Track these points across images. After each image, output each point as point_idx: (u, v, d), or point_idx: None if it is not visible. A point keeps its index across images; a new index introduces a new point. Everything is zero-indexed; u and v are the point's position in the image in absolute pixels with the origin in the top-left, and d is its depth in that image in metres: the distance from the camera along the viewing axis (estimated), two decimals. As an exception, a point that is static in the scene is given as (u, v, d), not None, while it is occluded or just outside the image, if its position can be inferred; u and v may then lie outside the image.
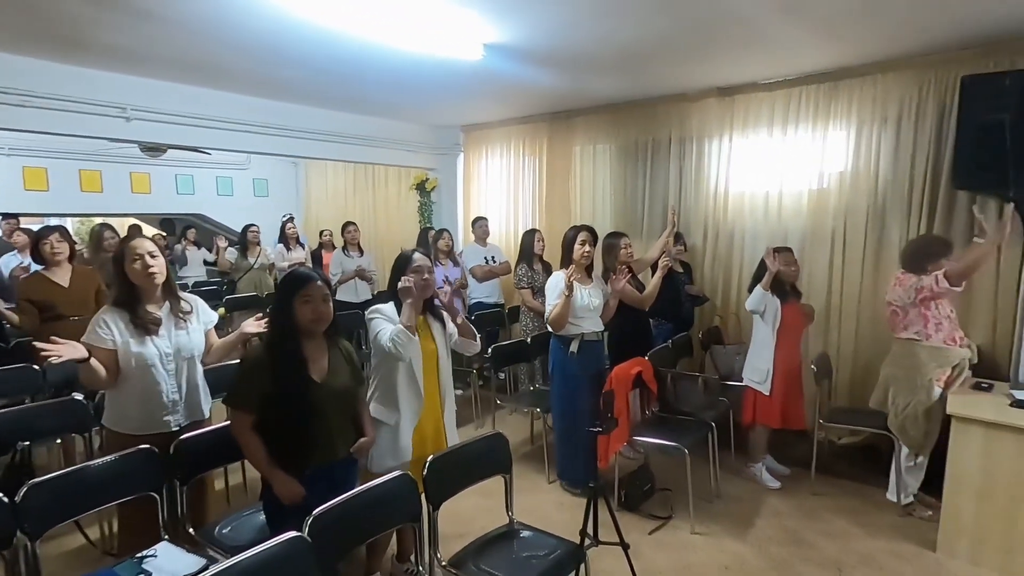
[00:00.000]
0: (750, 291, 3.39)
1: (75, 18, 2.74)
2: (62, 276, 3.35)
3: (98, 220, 7.23)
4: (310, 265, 5.94)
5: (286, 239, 6.05)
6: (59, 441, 2.86)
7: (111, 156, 6.70)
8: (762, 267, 3.33)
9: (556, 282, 3.10)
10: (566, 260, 3.20)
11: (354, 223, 5.60)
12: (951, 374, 2.91)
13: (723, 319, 4.31)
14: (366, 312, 2.34)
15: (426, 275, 2.30)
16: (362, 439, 2.11)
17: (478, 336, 2.56)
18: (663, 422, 3.32)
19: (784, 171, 3.99)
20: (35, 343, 1.94)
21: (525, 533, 2.19)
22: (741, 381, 3.51)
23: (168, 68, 3.64)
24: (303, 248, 6.24)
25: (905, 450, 3.01)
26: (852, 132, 3.70)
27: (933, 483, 2.91)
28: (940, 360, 2.91)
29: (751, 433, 3.49)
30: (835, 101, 3.73)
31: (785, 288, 3.31)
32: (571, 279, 2.96)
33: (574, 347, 3.14)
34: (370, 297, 5.36)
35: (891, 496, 3.15)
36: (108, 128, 3.77)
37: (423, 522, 1.99)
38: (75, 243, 3.63)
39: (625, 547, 2.37)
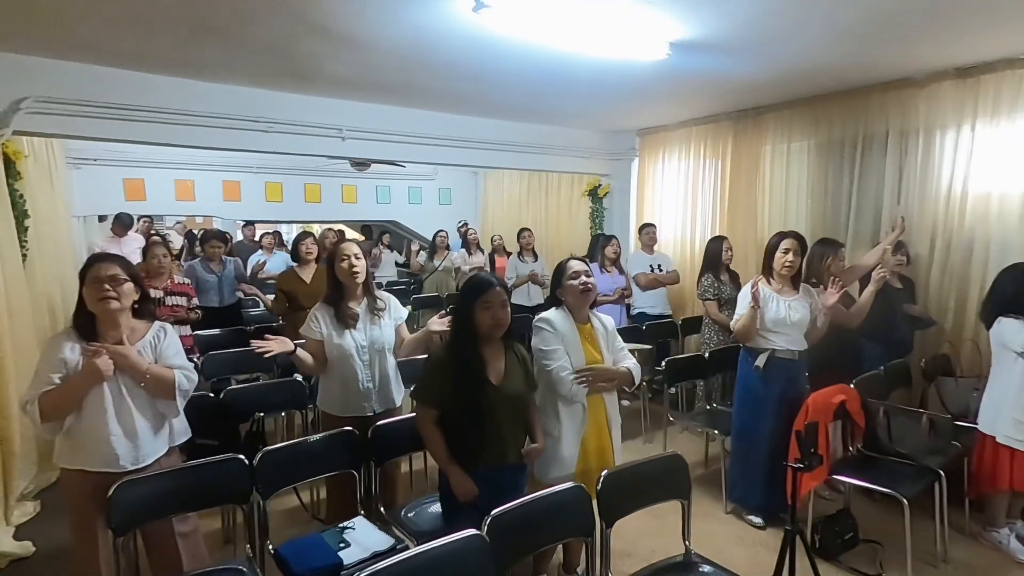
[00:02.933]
0: (985, 320, 2.78)
1: (307, 54, 3.20)
2: (307, 273, 4.00)
3: (316, 226, 8.48)
4: (488, 269, 6.25)
5: (468, 244, 6.44)
6: (283, 414, 3.37)
7: (328, 171, 7.83)
8: (1004, 288, 2.71)
9: (747, 291, 2.87)
10: (767, 269, 2.93)
11: (529, 229, 5.76)
12: None
13: (955, 346, 3.57)
14: (534, 320, 2.32)
15: (583, 279, 2.23)
16: (533, 445, 2.11)
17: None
18: (870, 463, 2.84)
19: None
20: (251, 341, 2.30)
21: (705, 568, 2.02)
22: (975, 423, 2.86)
23: (375, 92, 4.10)
24: (483, 253, 6.59)
25: None
26: None
27: None
28: None
29: (993, 492, 2.82)
30: None
31: None
32: (756, 289, 2.77)
33: (760, 362, 2.86)
34: (541, 302, 5.46)
35: None
36: (328, 147, 4.36)
37: (595, 537, 1.93)
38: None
39: (827, 603, 2.06)
